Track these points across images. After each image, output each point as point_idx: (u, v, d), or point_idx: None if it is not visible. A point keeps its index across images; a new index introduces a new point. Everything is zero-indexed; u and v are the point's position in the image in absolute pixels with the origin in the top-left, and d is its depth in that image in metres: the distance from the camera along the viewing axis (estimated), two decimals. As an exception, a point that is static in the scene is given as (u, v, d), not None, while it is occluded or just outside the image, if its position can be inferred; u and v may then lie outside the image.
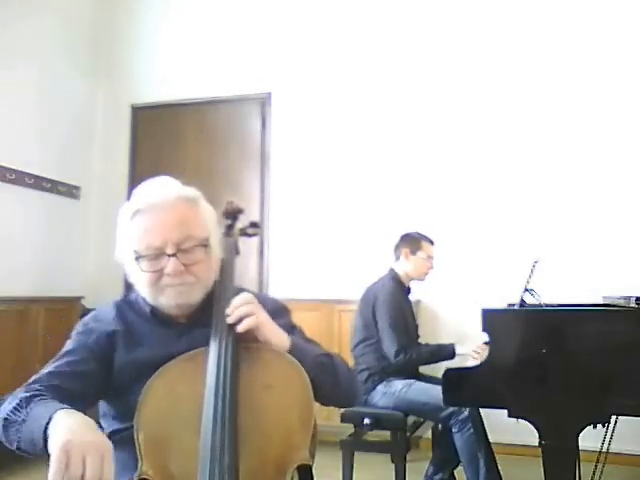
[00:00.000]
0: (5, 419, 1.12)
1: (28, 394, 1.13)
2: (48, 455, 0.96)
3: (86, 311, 1.43)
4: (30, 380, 1.22)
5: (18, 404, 1.11)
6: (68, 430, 0.97)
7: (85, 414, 1.05)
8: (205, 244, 1.29)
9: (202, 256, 1.28)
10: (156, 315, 1.33)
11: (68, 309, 4.12)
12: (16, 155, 4.19)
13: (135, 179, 4.89)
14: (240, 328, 1.22)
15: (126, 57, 5.01)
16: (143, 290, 1.30)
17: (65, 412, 1.03)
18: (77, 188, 4.80)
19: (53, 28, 4.60)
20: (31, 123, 4.35)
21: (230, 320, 1.23)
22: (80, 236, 4.81)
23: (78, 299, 4.33)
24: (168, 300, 1.28)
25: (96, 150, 4.97)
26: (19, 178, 4.21)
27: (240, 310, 1.24)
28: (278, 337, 1.27)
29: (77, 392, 1.22)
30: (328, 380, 1.33)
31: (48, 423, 1.01)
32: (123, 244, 1.29)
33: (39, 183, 4.39)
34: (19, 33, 4.26)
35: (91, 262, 4.80)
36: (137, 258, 1.26)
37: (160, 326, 1.33)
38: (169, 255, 1.24)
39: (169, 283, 1.26)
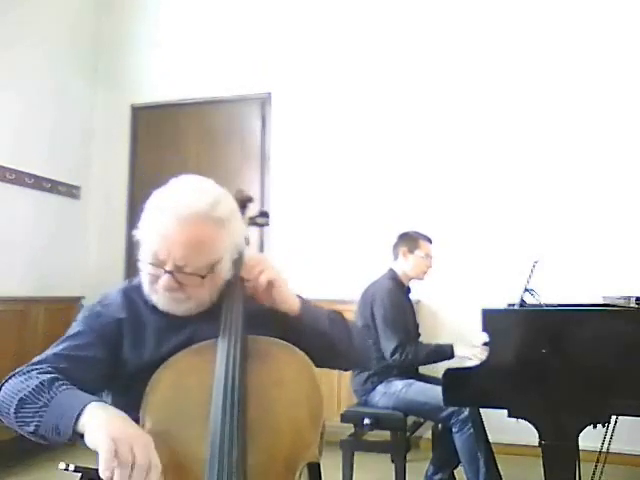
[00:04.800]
0: (22, 399, 1.09)
1: (49, 376, 1.11)
2: (68, 444, 1.00)
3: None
4: (34, 360, 1.19)
5: (39, 386, 1.09)
6: (109, 423, 1.00)
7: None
8: (203, 275, 1.24)
9: (198, 283, 1.25)
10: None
11: (68, 309, 4.11)
12: (16, 155, 4.19)
13: (135, 179, 4.89)
14: (260, 279, 1.28)
15: (126, 57, 5.00)
16: (143, 282, 1.30)
17: (99, 405, 1.04)
18: (77, 188, 4.80)
19: (53, 28, 4.60)
20: (31, 123, 4.35)
21: (249, 276, 1.29)
22: (80, 236, 4.81)
23: (78, 299, 4.33)
24: (159, 303, 1.28)
25: (96, 150, 4.97)
26: (19, 178, 4.21)
27: (257, 267, 1.30)
28: (291, 296, 1.33)
29: (81, 377, 1.18)
30: (344, 336, 1.37)
31: (79, 415, 1.02)
32: (144, 228, 1.26)
33: (39, 183, 4.39)
34: (19, 33, 4.26)
35: (91, 262, 4.81)
36: (142, 256, 1.25)
37: (164, 315, 1.31)
38: (166, 271, 1.23)
39: (161, 292, 1.25)
